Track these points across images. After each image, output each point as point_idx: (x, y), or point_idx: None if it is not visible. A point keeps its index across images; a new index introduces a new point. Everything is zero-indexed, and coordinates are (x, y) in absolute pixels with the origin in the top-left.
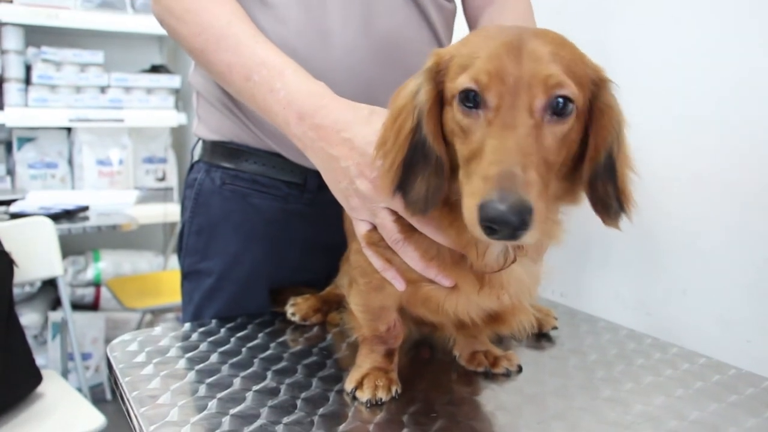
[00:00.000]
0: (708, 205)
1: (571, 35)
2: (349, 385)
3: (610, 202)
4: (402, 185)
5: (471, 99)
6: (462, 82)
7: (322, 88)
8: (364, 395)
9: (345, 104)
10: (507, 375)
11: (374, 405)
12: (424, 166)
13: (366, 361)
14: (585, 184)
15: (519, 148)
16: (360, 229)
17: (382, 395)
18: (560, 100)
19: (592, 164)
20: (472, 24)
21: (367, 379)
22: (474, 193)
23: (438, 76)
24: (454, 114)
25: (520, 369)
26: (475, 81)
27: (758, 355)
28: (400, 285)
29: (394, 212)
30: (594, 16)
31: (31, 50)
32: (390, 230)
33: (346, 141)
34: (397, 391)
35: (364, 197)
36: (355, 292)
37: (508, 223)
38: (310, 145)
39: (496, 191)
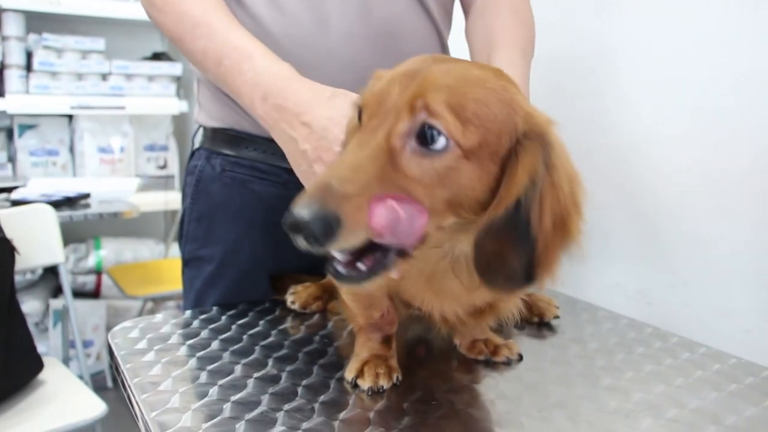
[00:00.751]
0: (709, 195)
1: (571, 26)
2: (349, 374)
3: (500, 268)
4: None
5: (359, 116)
6: (356, 100)
7: (287, 70)
8: (365, 383)
9: (308, 85)
10: (507, 363)
11: (376, 393)
12: None
13: (364, 350)
14: (474, 238)
15: (354, 164)
16: None
17: (384, 383)
18: (428, 130)
19: (487, 218)
20: (466, 10)
21: (367, 367)
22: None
23: (361, 93)
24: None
25: (520, 357)
26: (361, 99)
27: (758, 345)
28: None
29: None
30: (594, 6)
31: (32, 37)
32: None
33: (305, 124)
34: (398, 377)
35: None
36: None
37: (306, 231)
38: (273, 125)
39: (304, 199)
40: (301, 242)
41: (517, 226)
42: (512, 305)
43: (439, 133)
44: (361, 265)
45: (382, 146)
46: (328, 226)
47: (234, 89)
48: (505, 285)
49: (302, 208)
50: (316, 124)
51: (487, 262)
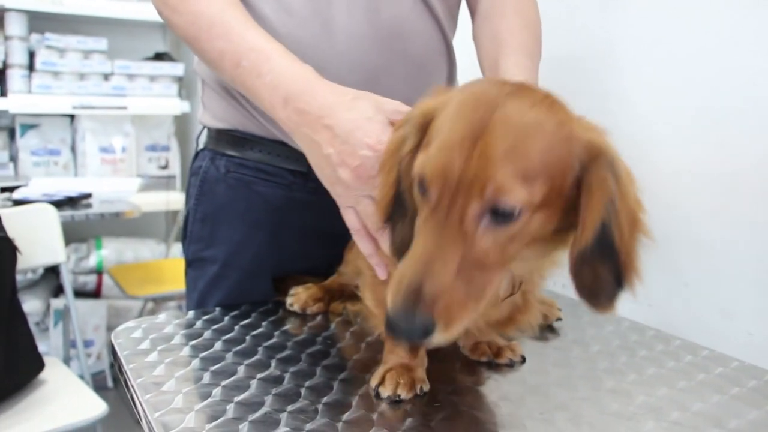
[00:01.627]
0: (710, 197)
1: (574, 25)
2: (373, 380)
3: (600, 288)
4: (392, 221)
5: (421, 185)
6: (416, 167)
7: (308, 72)
8: (385, 391)
9: (329, 88)
10: (510, 365)
11: (395, 402)
12: (403, 215)
13: (390, 358)
14: (570, 270)
15: (435, 257)
16: (347, 215)
17: (403, 392)
18: (500, 207)
19: (577, 250)
20: (472, 12)
21: (389, 375)
22: (393, 285)
23: (423, 127)
24: (417, 184)
25: (523, 359)
26: (423, 171)
27: (760, 348)
28: (382, 273)
29: (376, 200)
30: (598, 5)
31: (35, 37)
32: (372, 218)
33: (328, 128)
34: (422, 388)
35: (346, 185)
36: (368, 287)
37: (407, 337)
38: (295, 129)
39: (399, 306)
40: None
41: (605, 245)
42: (532, 316)
43: (512, 207)
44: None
45: (456, 231)
46: (425, 333)
47: (253, 92)
48: (608, 302)
49: (400, 319)
50: (339, 127)
51: (589, 289)
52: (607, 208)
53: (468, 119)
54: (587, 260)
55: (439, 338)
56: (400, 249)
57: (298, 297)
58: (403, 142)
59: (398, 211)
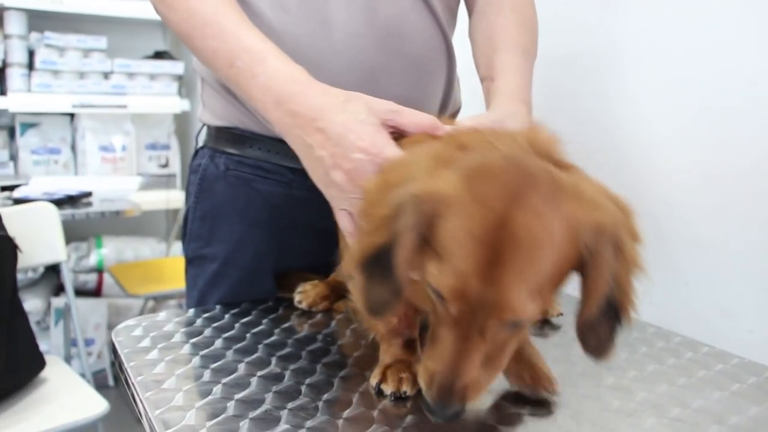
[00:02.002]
0: (711, 195)
1: (574, 23)
2: (373, 379)
3: (605, 344)
4: (367, 270)
5: (437, 293)
6: (432, 280)
7: (300, 73)
8: (388, 388)
9: (321, 90)
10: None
11: (399, 398)
12: (382, 279)
13: (387, 356)
14: (577, 335)
15: (468, 364)
16: (340, 218)
17: (407, 388)
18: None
19: (582, 317)
20: (469, 8)
21: (390, 372)
22: (427, 371)
23: (427, 218)
24: (430, 288)
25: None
26: (440, 289)
27: (760, 345)
28: None
29: None
30: (599, 2)
31: (35, 35)
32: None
33: (320, 130)
34: None
35: (340, 188)
36: (354, 288)
37: (444, 421)
38: (287, 131)
39: (437, 398)
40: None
41: (609, 309)
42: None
43: (526, 319)
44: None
45: (478, 338)
46: (459, 413)
47: (247, 92)
48: (611, 347)
49: (438, 410)
50: (331, 130)
51: (595, 348)
52: (610, 282)
53: (478, 241)
54: (592, 327)
55: (465, 412)
56: (377, 310)
57: (306, 294)
58: (399, 211)
59: (377, 269)
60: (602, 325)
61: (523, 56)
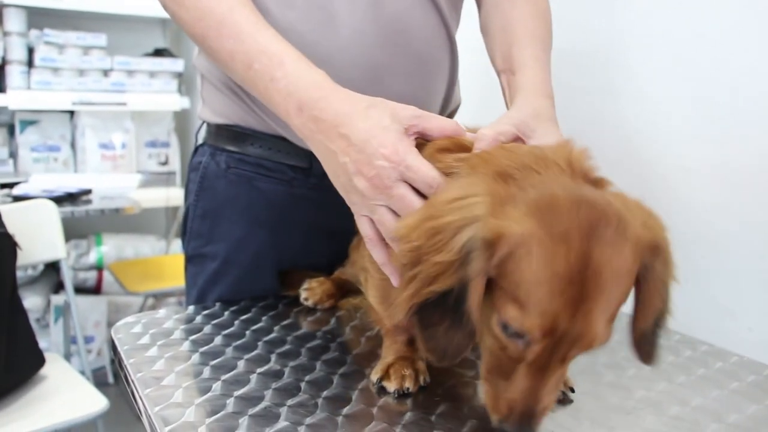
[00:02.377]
0: (710, 193)
1: (580, 19)
2: (375, 375)
3: (655, 349)
4: (421, 317)
5: (517, 335)
6: (513, 323)
7: (322, 78)
8: (391, 385)
9: (344, 96)
10: (562, 401)
11: (402, 395)
12: (452, 324)
13: (390, 352)
14: (633, 346)
15: (546, 390)
16: (361, 224)
17: (410, 385)
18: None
19: (639, 329)
20: (479, 1)
21: (393, 369)
22: (498, 400)
23: (494, 255)
24: (495, 328)
25: (572, 390)
26: (529, 331)
27: (760, 344)
28: (396, 281)
29: (392, 210)
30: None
31: (34, 32)
32: (388, 228)
33: (344, 136)
34: (425, 380)
35: (362, 195)
36: (371, 285)
37: None
38: (310, 136)
39: (519, 425)
40: None
41: (659, 320)
42: None
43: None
44: None
45: (558, 368)
46: None
47: (266, 96)
48: (659, 350)
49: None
50: (354, 136)
51: (648, 355)
52: (663, 295)
53: (563, 278)
54: (647, 337)
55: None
56: (452, 355)
57: (313, 292)
58: (464, 253)
59: (441, 315)
60: (654, 335)
61: (542, 48)
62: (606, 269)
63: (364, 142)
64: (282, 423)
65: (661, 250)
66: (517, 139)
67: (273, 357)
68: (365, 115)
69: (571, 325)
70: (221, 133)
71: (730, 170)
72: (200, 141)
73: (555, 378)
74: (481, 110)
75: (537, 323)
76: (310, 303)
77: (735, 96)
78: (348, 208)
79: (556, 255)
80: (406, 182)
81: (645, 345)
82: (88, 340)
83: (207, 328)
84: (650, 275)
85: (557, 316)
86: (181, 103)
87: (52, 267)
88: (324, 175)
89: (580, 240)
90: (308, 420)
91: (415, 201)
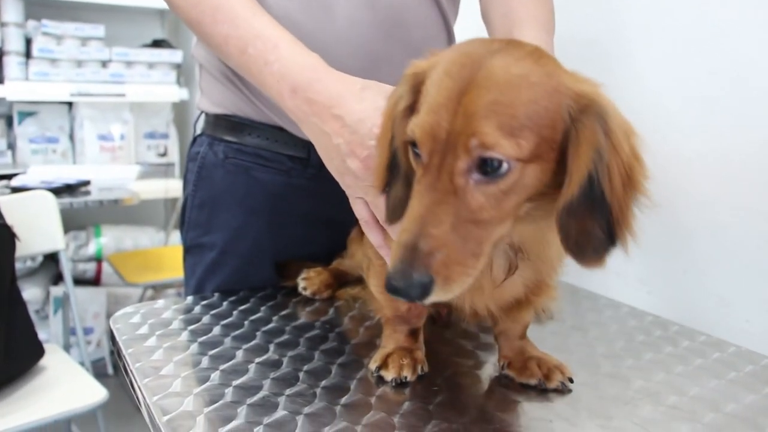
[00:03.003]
0: (709, 184)
1: (584, 11)
2: (373, 364)
3: (587, 242)
4: (388, 185)
5: (414, 148)
6: (408, 131)
7: (316, 61)
8: (389, 374)
9: (337, 78)
10: (562, 391)
11: (400, 384)
12: (397, 176)
13: (390, 342)
14: (556, 222)
15: (429, 215)
16: (356, 206)
17: (408, 373)
18: (488, 161)
19: (563, 201)
20: None
21: (391, 359)
22: (392, 247)
23: (417, 88)
24: (410, 154)
25: (571, 381)
26: (414, 134)
27: (757, 335)
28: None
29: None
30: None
31: (32, 23)
32: (381, 209)
33: (338, 117)
34: (423, 369)
35: (355, 176)
36: (373, 273)
37: (406, 296)
38: (303, 119)
39: (397, 265)
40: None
41: (594, 198)
42: (548, 298)
43: (499, 161)
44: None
45: (448, 188)
46: (424, 290)
47: (260, 80)
48: (595, 257)
49: (398, 277)
50: (348, 117)
51: (575, 242)
52: (594, 160)
53: (454, 78)
54: (573, 212)
55: (439, 295)
56: (394, 211)
57: (311, 281)
58: (397, 101)
59: (393, 173)
60: (587, 218)
61: (545, 32)
62: (499, 72)
63: (358, 122)
64: (280, 412)
65: (594, 107)
66: None
67: (271, 347)
68: (359, 96)
69: (453, 122)
70: (219, 123)
71: (728, 161)
72: (198, 131)
73: (448, 207)
74: None
75: (420, 121)
76: (308, 293)
77: (735, 86)
78: (345, 198)
79: (451, 62)
80: None
81: (570, 225)
82: (88, 331)
83: (205, 319)
84: (578, 132)
85: (438, 108)
86: (179, 94)
87: (51, 258)
88: (322, 165)
89: (481, 53)
90: (306, 409)
91: None
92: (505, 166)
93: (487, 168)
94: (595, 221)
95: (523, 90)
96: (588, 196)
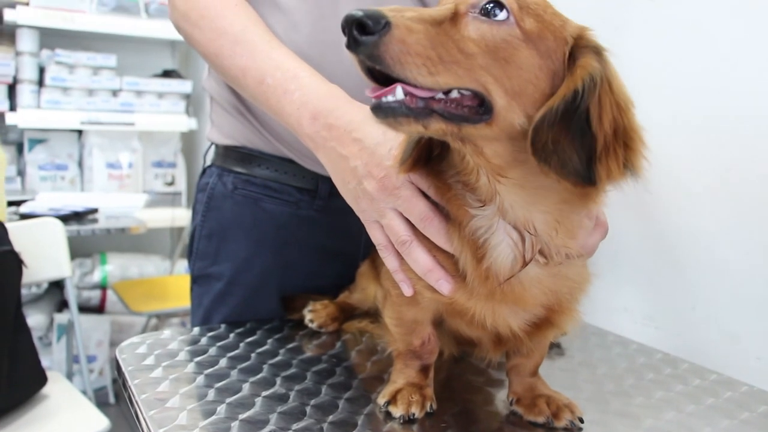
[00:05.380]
0: (718, 219)
1: (579, 18)
2: (382, 399)
3: (556, 153)
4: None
5: None
6: None
7: (337, 90)
8: (397, 411)
9: (358, 106)
10: (570, 429)
11: (407, 421)
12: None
13: (400, 377)
14: (531, 127)
15: (418, 11)
16: (372, 231)
17: (416, 411)
18: (492, 6)
19: (544, 109)
20: None
21: (400, 395)
22: None
23: None
24: None
25: (581, 421)
26: None
27: None
28: (407, 290)
29: (400, 214)
30: (606, 16)
31: (45, 52)
32: (396, 232)
33: (357, 141)
34: (432, 406)
35: (371, 198)
36: (389, 305)
37: (354, 18)
38: (321, 144)
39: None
40: (351, 43)
41: (575, 118)
42: (570, 317)
43: (502, 8)
44: (402, 97)
45: (448, 8)
46: (376, 19)
47: (277, 109)
48: (559, 169)
49: (359, 12)
50: (367, 140)
51: (543, 145)
52: (585, 81)
53: None
54: (550, 120)
55: (393, 38)
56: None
57: (317, 314)
58: None
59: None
60: (563, 133)
61: None
62: None
63: (377, 144)
64: None
65: (598, 49)
66: None
67: (278, 380)
68: None
69: None
70: (229, 154)
71: (736, 196)
72: (208, 162)
73: (437, 28)
74: None
75: None
76: (314, 325)
77: (741, 116)
78: (353, 231)
79: None
80: (413, 184)
81: (542, 133)
82: (91, 359)
83: (212, 350)
84: (577, 62)
85: None
86: (188, 124)
87: (57, 285)
88: (330, 197)
89: None
90: None
91: (421, 203)
92: (504, 14)
93: (489, 13)
94: (572, 142)
95: (542, 2)
96: (569, 110)
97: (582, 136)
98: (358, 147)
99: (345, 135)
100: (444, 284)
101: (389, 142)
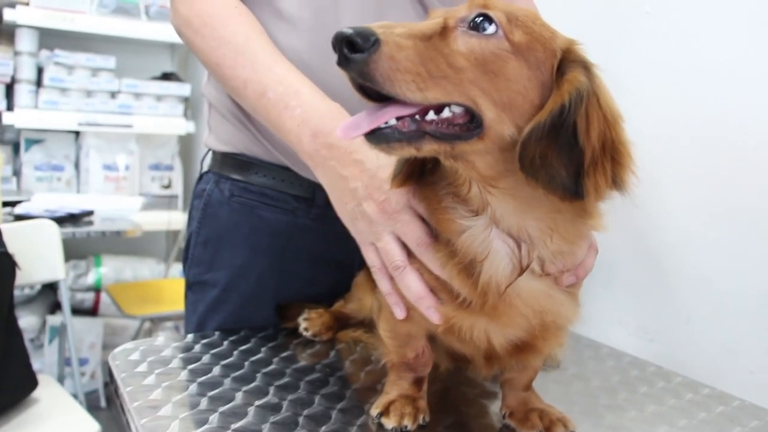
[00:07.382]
0: (713, 232)
1: (576, 24)
2: (375, 410)
3: (543, 168)
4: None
5: None
6: None
7: (338, 109)
8: (390, 422)
9: None
10: None
11: None
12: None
13: (393, 388)
14: (519, 142)
15: (407, 26)
16: (367, 253)
17: (408, 423)
18: (481, 20)
19: (532, 124)
20: None
21: (393, 406)
22: None
23: None
24: None
25: None
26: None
27: (762, 387)
28: (399, 312)
29: (397, 237)
30: (601, 28)
31: (44, 53)
32: (391, 256)
33: (358, 162)
34: (424, 419)
35: (369, 220)
36: (384, 317)
37: (347, 42)
38: (321, 163)
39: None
40: (342, 60)
41: (563, 132)
42: (554, 343)
43: (491, 21)
44: (395, 123)
45: (437, 23)
46: (366, 37)
47: (278, 124)
48: (547, 184)
49: (350, 30)
50: (369, 163)
51: (531, 160)
52: (572, 96)
53: None
54: (538, 134)
55: (382, 55)
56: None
57: (312, 322)
58: None
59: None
60: (552, 148)
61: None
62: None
63: (378, 167)
64: None
65: (586, 63)
66: None
67: (272, 389)
68: None
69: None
70: (226, 161)
71: (731, 211)
72: (205, 168)
73: (426, 43)
74: None
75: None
76: (308, 334)
77: (746, 134)
78: (350, 240)
79: None
80: (413, 209)
81: (531, 145)
82: (82, 362)
83: (206, 358)
84: (565, 76)
85: None
86: (186, 127)
87: (50, 287)
88: (327, 205)
89: None
90: None
91: (419, 228)
92: (492, 28)
93: (478, 26)
94: (559, 157)
95: (525, 13)
96: (556, 125)
97: (570, 150)
98: (358, 169)
99: (346, 156)
100: (433, 313)
101: (390, 166)
